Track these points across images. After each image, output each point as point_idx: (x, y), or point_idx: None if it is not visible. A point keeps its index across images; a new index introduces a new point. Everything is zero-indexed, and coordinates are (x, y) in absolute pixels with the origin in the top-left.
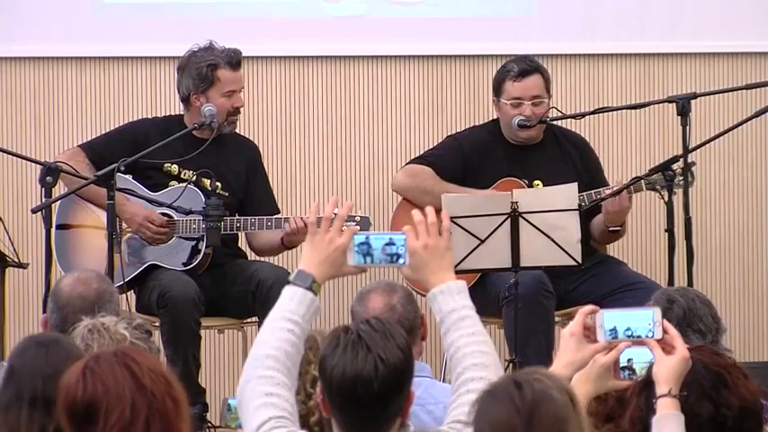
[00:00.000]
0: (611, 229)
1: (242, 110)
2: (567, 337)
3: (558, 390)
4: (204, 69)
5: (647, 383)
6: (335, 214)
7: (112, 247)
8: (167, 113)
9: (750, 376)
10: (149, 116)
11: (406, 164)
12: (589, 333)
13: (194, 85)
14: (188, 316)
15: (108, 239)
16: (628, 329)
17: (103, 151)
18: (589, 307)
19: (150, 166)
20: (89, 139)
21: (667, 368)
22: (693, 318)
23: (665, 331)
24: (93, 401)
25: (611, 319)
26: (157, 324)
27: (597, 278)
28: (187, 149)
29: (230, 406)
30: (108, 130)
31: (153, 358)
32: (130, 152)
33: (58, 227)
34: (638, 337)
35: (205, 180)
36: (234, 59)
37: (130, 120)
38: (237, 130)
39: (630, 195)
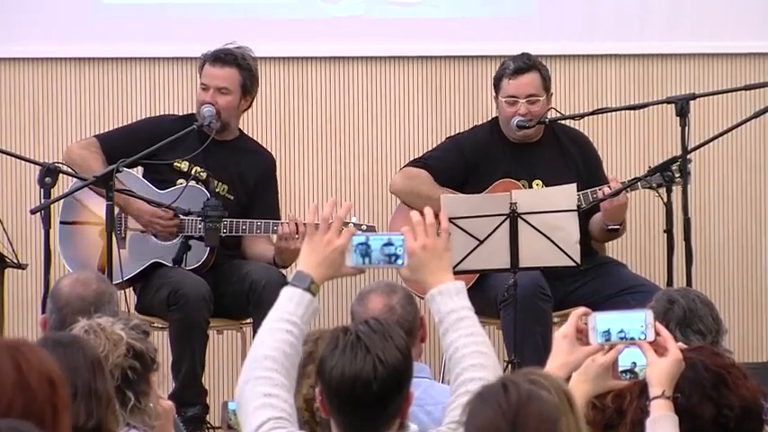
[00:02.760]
0: (609, 227)
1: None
2: (560, 339)
3: (551, 390)
4: (200, 64)
5: (646, 385)
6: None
7: (111, 246)
8: (166, 114)
9: (750, 376)
10: (150, 115)
11: (405, 166)
12: (581, 335)
13: None
14: (198, 314)
15: (107, 238)
16: (621, 332)
17: (119, 144)
18: (582, 309)
19: (160, 162)
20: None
21: (660, 370)
22: (694, 318)
23: (657, 333)
24: None
25: (604, 321)
26: (156, 325)
27: (598, 281)
28: (198, 148)
29: (236, 411)
30: (126, 123)
31: (45, 359)
32: (146, 148)
33: (63, 222)
34: (631, 339)
35: (212, 182)
36: (216, 55)
37: (129, 120)
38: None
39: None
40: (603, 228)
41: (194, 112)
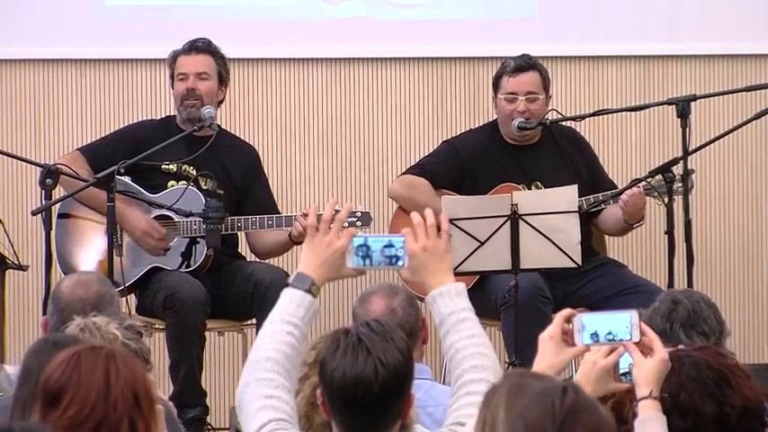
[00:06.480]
0: (634, 225)
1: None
2: (546, 341)
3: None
4: (170, 61)
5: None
6: (335, 214)
7: (112, 250)
8: (144, 119)
9: (753, 377)
10: (148, 118)
11: (403, 173)
12: (567, 337)
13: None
14: (195, 317)
15: (107, 242)
16: (608, 333)
17: (104, 154)
18: (567, 311)
19: (149, 166)
20: (88, 141)
21: (647, 370)
22: (697, 320)
23: (643, 334)
24: (64, 388)
25: (591, 322)
26: (158, 326)
27: (598, 281)
28: (183, 149)
29: None
30: (107, 133)
31: (137, 373)
32: (130, 155)
33: (60, 215)
34: (620, 340)
35: (202, 181)
36: (190, 46)
37: (130, 122)
38: (238, 132)
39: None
40: (626, 227)
41: (172, 114)
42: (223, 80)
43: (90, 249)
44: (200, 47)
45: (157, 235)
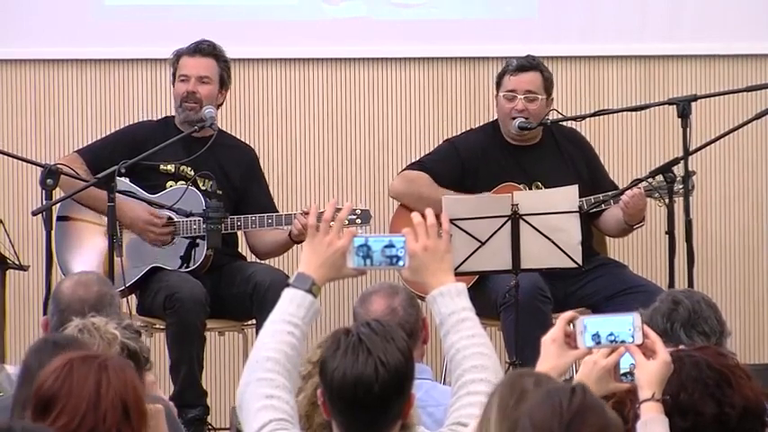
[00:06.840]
0: (634, 226)
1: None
2: (549, 344)
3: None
4: (172, 60)
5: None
6: (336, 213)
7: (113, 251)
8: (144, 120)
9: (753, 377)
10: (147, 118)
11: (403, 170)
12: (569, 339)
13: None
14: (195, 317)
15: (108, 243)
16: (610, 335)
17: (103, 155)
18: (569, 313)
19: (148, 167)
20: (89, 141)
21: (649, 372)
22: (698, 320)
23: (645, 336)
24: (55, 397)
25: (593, 324)
26: (158, 326)
27: (599, 281)
28: (181, 149)
29: None
30: (106, 134)
31: (129, 383)
32: (129, 155)
33: (59, 218)
34: (622, 342)
35: (200, 181)
36: (195, 47)
37: (130, 122)
38: (238, 132)
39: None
40: (623, 226)
41: (171, 114)
42: (224, 84)
43: (88, 253)
44: (205, 49)
45: (160, 222)
